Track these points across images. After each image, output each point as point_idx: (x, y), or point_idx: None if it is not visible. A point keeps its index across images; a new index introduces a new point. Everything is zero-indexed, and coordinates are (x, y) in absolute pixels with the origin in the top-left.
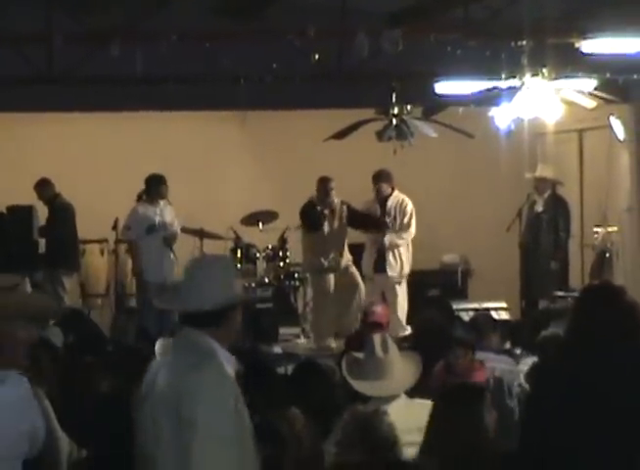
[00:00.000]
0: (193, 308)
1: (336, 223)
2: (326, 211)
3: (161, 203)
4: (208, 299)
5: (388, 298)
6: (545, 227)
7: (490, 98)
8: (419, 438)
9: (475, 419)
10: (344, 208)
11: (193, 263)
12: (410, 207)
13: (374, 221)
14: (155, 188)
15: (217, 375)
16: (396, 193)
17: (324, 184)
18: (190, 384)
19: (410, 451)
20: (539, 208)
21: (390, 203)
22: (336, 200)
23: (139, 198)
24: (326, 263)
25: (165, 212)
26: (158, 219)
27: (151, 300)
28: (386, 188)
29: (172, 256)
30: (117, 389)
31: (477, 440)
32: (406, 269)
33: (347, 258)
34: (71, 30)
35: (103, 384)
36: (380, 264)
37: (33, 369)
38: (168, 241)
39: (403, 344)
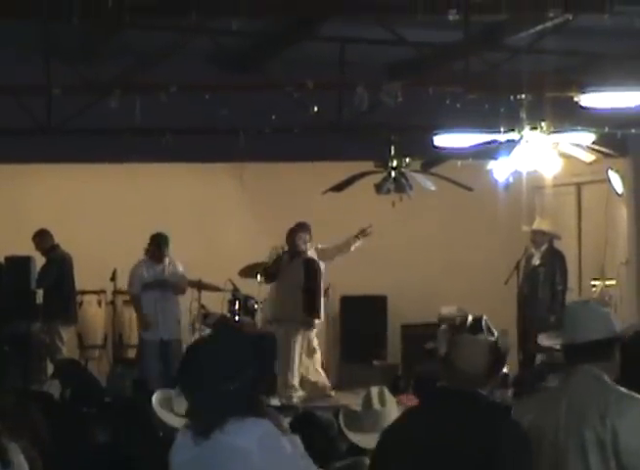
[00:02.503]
0: (581, 340)
1: (288, 276)
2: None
3: (166, 260)
4: (596, 330)
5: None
6: (542, 280)
7: (489, 151)
8: None
9: None
10: (302, 263)
11: (572, 306)
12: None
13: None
14: (155, 247)
15: None
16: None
17: (290, 233)
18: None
19: None
20: (536, 261)
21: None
22: (305, 253)
23: (146, 252)
24: (274, 313)
25: (168, 270)
26: (155, 277)
27: (147, 355)
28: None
29: (175, 312)
30: (114, 440)
31: None
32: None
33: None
34: (70, 82)
35: (100, 435)
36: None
37: (22, 422)
38: (169, 296)
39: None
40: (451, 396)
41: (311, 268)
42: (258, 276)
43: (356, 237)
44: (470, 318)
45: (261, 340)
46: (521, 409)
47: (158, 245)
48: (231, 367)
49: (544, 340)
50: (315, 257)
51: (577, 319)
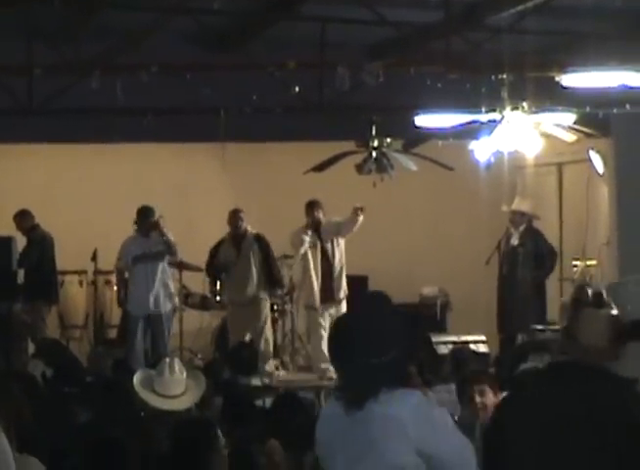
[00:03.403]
0: None
1: (241, 256)
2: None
3: (154, 234)
4: None
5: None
6: (521, 261)
7: (470, 131)
8: None
9: None
10: (253, 240)
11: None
12: (334, 218)
13: (275, 276)
14: (141, 220)
15: None
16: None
17: (232, 214)
18: None
19: None
20: (515, 241)
21: (322, 227)
22: (249, 232)
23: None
24: (234, 296)
25: (157, 242)
26: (144, 250)
27: (132, 331)
28: (321, 216)
29: (166, 286)
30: (96, 420)
31: None
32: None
33: (259, 289)
34: (52, 62)
35: (81, 415)
36: (328, 293)
37: (3, 402)
38: (160, 270)
39: None
40: (576, 369)
41: (263, 241)
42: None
43: (355, 215)
44: (590, 292)
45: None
46: None
47: (142, 217)
48: (384, 339)
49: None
50: (328, 227)
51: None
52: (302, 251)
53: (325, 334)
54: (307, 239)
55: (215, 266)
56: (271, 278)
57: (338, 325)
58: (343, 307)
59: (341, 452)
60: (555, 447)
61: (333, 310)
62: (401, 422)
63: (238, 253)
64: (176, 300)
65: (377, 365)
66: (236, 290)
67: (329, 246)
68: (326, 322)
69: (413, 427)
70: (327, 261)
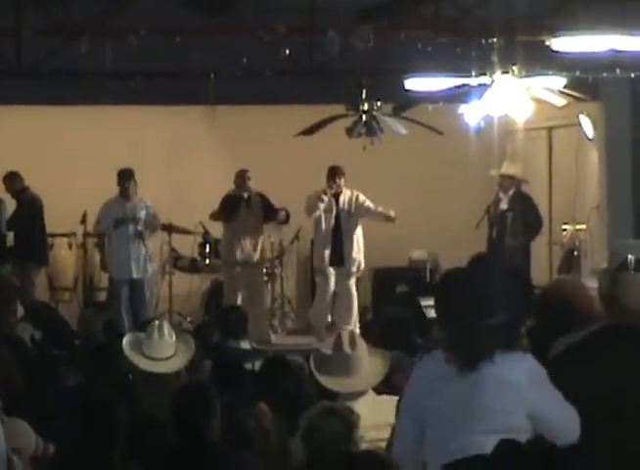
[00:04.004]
0: None
1: (251, 215)
2: (242, 201)
3: (135, 198)
4: None
5: (342, 293)
6: (510, 224)
7: (460, 95)
8: (386, 433)
9: None
10: (259, 199)
11: None
12: (362, 196)
13: (276, 212)
14: (121, 183)
15: None
16: (346, 189)
17: (240, 174)
18: None
19: (377, 446)
20: (504, 205)
21: (343, 198)
22: (254, 192)
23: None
24: (237, 256)
25: (138, 207)
26: (125, 214)
27: (117, 294)
28: (342, 183)
29: (144, 251)
30: (85, 383)
31: None
32: (362, 266)
33: (261, 254)
34: (40, 25)
35: (70, 378)
36: (337, 257)
37: None
38: (139, 234)
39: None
40: (622, 332)
41: (264, 197)
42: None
43: (385, 218)
44: (631, 258)
45: (522, 275)
46: None
47: (121, 180)
48: (498, 301)
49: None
50: (350, 202)
51: None
52: (313, 217)
53: (329, 299)
54: (322, 205)
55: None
56: (274, 212)
57: (450, 286)
58: (353, 283)
59: (452, 414)
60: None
61: (341, 278)
62: (517, 385)
63: (248, 212)
64: (155, 265)
65: (491, 327)
66: (241, 250)
67: (344, 215)
68: (331, 287)
69: (528, 390)
70: (338, 228)
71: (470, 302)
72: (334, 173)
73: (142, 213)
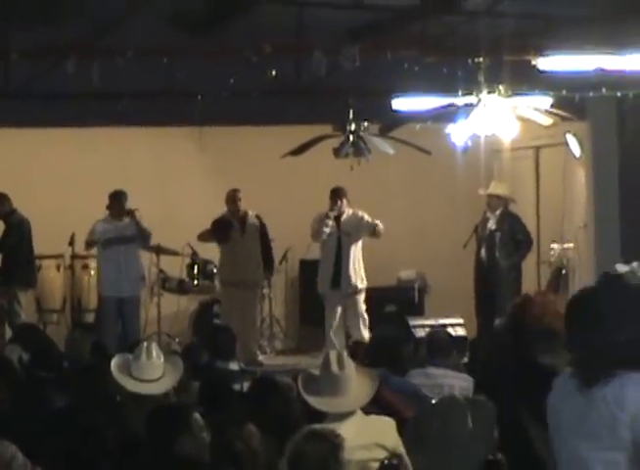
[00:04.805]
0: None
1: (245, 236)
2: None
3: (126, 218)
4: None
5: (348, 314)
6: (499, 245)
7: (447, 115)
8: (375, 454)
9: None
10: (257, 221)
11: None
12: (362, 213)
13: (272, 258)
14: (113, 202)
15: None
16: (348, 209)
17: (231, 194)
18: None
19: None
20: (492, 225)
21: (344, 218)
22: (250, 212)
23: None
24: (233, 277)
25: (129, 226)
26: (117, 233)
27: (106, 313)
28: (344, 204)
29: (137, 269)
30: (73, 405)
31: None
32: (360, 285)
33: (259, 272)
34: (28, 46)
35: (58, 400)
36: (336, 280)
37: None
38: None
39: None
40: None
41: (262, 223)
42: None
43: (374, 232)
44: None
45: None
46: None
47: (115, 200)
48: (620, 319)
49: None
50: (351, 221)
51: None
52: (320, 241)
53: (334, 322)
54: (327, 230)
55: (220, 227)
56: (269, 261)
57: (574, 303)
58: (358, 301)
59: (574, 431)
60: None
61: (342, 301)
62: (630, 406)
63: (243, 232)
64: (146, 283)
65: (616, 344)
66: (238, 270)
67: (345, 237)
68: (334, 310)
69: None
70: (340, 250)
71: (592, 319)
72: (336, 195)
73: (133, 230)
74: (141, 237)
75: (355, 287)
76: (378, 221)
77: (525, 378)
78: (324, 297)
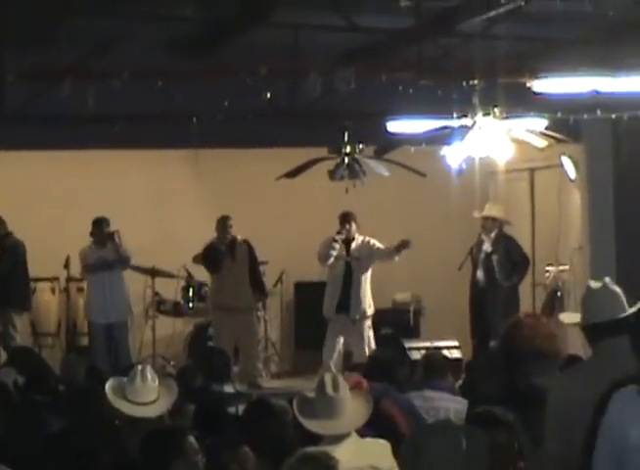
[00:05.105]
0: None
1: (235, 263)
2: (223, 249)
3: (109, 244)
4: (618, 310)
5: (353, 340)
6: (497, 267)
7: (442, 137)
8: None
9: None
10: (245, 247)
11: (593, 288)
12: (373, 240)
13: (262, 283)
14: (96, 230)
15: None
16: (358, 235)
17: (222, 221)
18: None
19: None
20: (488, 248)
21: (354, 244)
22: (239, 238)
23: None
24: (225, 302)
25: (111, 253)
26: (99, 261)
27: (97, 340)
28: (353, 229)
29: (123, 294)
30: (68, 428)
31: None
32: (369, 311)
33: (250, 297)
34: (24, 68)
35: (54, 423)
36: (345, 305)
37: None
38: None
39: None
40: None
41: (251, 248)
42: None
43: (397, 249)
44: None
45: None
46: (557, 384)
47: (97, 228)
48: None
49: (566, 319)
50: (362, 248)
51: (599, 300)
52: (327, 264)
53: (336, 347)
54: (334, 253)
55: (211, 258)
56: (258, 285)
57: None
58: (365, 326)
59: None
60: None
61: (347, 326)
62: None
63: (233, 259)
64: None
65: None
66: (229, 296)
67: (354, 262)
68: (337, 336)
69: None
70: (349, 275)
71: None
72: (344, 219)
73: (114, 255)
74: (120, 260)
75: (364, 312)
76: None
77: (520, 400)
78: (329, 321)
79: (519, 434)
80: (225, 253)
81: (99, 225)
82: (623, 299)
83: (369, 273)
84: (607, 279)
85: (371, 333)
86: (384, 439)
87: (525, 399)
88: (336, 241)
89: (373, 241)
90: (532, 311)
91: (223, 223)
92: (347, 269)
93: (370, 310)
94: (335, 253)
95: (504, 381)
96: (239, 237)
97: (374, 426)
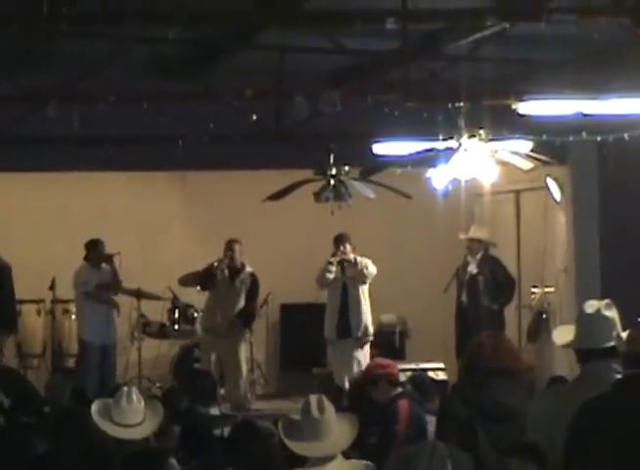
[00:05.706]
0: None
1: (233, 287)
2: (225, 272)
3: (105, 266)
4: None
5: (350, 363)
6: (482, 289)
7: (428, 159)
8: None
9: None
10: (249, 279)
11: (587, 313)
12: (365, 260)
13: (254, 313)
14: (91, 252)
15: None
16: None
17: (225, 244)
18: None
19: None
20: (474, 269)
21: (347, 264)
22: (247, 268)
23: (85, 259)
24: (212, 324)
25: (107, 274)
26: (94, 283)
27: (90, 361)
28: (347, 250)
29: (115, 314)
30: (54, 450)
31: None
32: (370, 330)
33: (237, 325)
34: (8, 91)
35: (39, 445)
36: (345, 328)
37: None
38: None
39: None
40: None
41: (255, 283)
42: (198, 286)
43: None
44: None
45: None
46: (539, 403)
47: (94, 249)
48: None
49: (557, 338)
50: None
51: (592, 325)
52: (323, 287)
53: (343, 368)
54: (330, 276)
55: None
56: (246, 318)
57: None
58: (366, 347)
59: None
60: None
61: (348, 347)
62: None
63: (231, 284)
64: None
65: None
66: (219, 319)
67: (351, 282)
68: (340, 357)
69: None
70: (345, 297)
71: None
72: (338, 241)
73: (109, 277)
74: (115, 282)
75: (366, 330)
76: (364, 263)
77: (489, 419)
78: (330, 343)
79: (484, 450)
80: (220, 274)
81: (95, 247)
82: (616, 322)
83: (367, 292)
84: (602, 304)
85: (368, 357)
86: (382, 428)
87: (491, 415)
88: (331, 263)
89: (365, 261)
90: (518, 333)
91: (226, 246)
92: (344, 290)
93: (372, 328)
94: (331, 275)
95: (473, 400)
96: (248, 268)
97: (381, 411)
